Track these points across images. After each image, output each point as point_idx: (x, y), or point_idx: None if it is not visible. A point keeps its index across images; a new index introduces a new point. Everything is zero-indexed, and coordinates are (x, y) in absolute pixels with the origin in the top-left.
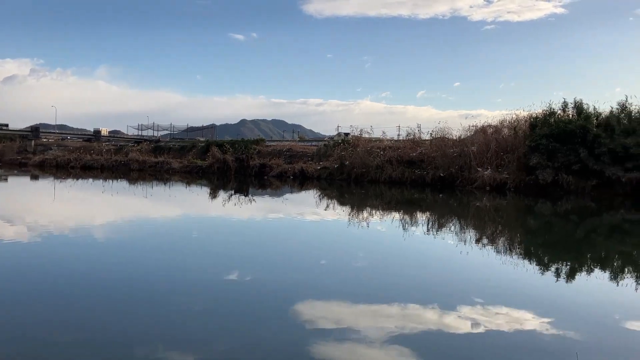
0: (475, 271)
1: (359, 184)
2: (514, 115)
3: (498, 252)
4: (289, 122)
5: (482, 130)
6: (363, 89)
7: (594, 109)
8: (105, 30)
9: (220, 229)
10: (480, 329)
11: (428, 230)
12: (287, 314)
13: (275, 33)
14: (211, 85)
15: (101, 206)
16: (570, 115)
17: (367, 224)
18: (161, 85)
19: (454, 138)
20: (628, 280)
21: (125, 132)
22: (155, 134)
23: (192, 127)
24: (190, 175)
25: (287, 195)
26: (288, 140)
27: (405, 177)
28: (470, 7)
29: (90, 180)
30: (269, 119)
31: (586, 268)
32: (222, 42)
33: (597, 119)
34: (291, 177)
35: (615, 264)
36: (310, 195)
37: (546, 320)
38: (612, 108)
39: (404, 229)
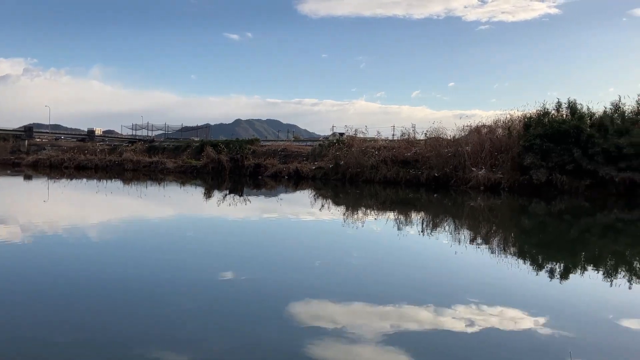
0: (469, 271)
1: (353, 184)
2: (508, 115)
3: (492, 251)
4: (284, 122)
5: (477, 130)
6: (358, 89)
7: (588, 109)
8: (99, 30)
9: (215, 229)
10: (475, 328)
11: (423, 230)
12: (282, 314)
13: (271, 33)
14: (206, 85)
15: (95, 206)
16: (564, 115)
17: (362, 223)
18: (156, 85)
19: (449, 138)
20: (621, 280)
21: (120, 132)
22: (150, 133)
23: (186, 127)
24: (185, 175)
25: (282, 195)
26: (283, 140)
27: (399, 177)
28: (465, 7)
29: (84, 180)
30: (264, 118)
31: (580, 267)
32: (217, 42)
33: (590, 119)
34: (286, 177)
35: (608, 263)
36: (305, 195)
37: (540, 319)
38: (605, 108)
39: (398, 229)
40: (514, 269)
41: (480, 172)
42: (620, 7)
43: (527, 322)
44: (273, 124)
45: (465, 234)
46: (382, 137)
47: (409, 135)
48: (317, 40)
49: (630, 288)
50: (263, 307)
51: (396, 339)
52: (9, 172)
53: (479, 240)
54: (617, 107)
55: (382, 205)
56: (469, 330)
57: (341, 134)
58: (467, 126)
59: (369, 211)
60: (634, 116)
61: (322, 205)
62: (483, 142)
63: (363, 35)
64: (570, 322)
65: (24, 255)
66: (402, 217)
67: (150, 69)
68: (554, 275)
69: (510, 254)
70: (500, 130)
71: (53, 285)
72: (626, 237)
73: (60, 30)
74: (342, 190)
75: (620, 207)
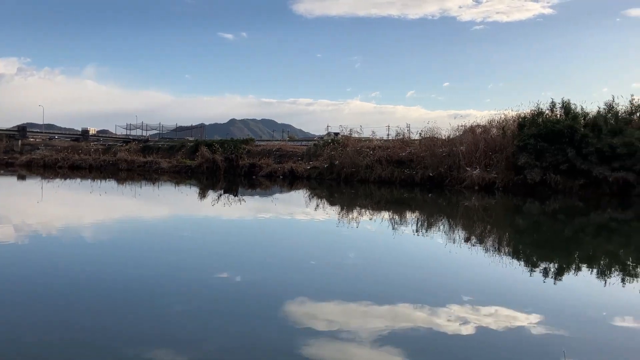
0: (464, 270)
1: (348, 184)
2: (502, 115)
3: (487, 251)
4: (279, 121)
5: (471, 130)
6: (353, 88)
7: (582, 109)
8: (93, 30)
9: (210, 229)
10: (470, 328)
11: (417, 229)
12: (277, 314)
13: (265, 33)
14: (200, 84)
15: (90, 206)
16: (558, 115)
17: (357, 223)
18: (150, 85)
19: (443, 138)
20: (615, 279)
21: (114, 132)
22: (144, 133)
23: (181, 126)
24: (179, 175)
25: (277, 195)
26: (278, 140)
27: (394, 176)
28: (460, 7)
29: (78, 180)
30: (259, 118)
31: (574, 267)
32: (211, 42)
33: (584, 119)
34: (281, 176)
35: (602, 262)
36: (300, 195)
37: (534, 318)
38: (599, 108)
39: (393, 229)
40: (508, 269)
41: (474, 172)
42: (614, 7)
43: (521, 321)
44: (268, 123)
45: (459, 233)
46: (377, 137)
47: (403, 135)
48: (312, 40)
49: (623, 287)
50: (258, 307)
51: (391, 339)
52: (2, 172)
53: (474, 240)
54: (610, 107)
55: (377, 205)
56: (464, 329)
57: (336, 134)
58: (461, 126)
59: (363, 211)
60: (627, 116)
61: (317, 205)
62: (477, 142)
63: (358, 35)
64: (564, 321)
65: (19, 256)
66: (396, 217)
67: (145, 68)
68: (548, 275)
69: (505, 253)
70: (494, 130)
71: (48, 286)
72: (619, 237)
73: (55, 29)
74: (337, 190)
75: (613, 206)
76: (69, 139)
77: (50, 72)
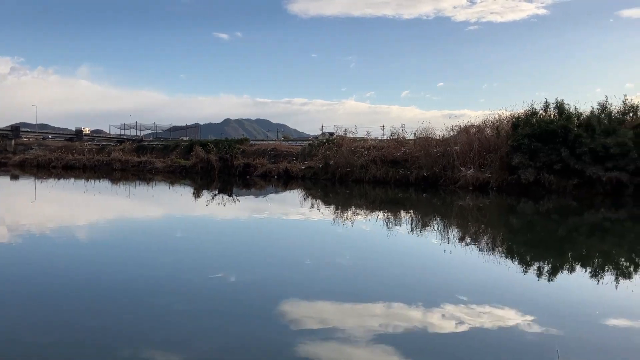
0: (458, 270)
1: (343, 184)
2: (496, 115)
3: (481, 250)
4: (274, 121)
5: (465, 130)
6: (347, 88)
7: (575, 109)
8: (88, 29)
9: (204, 228)
10: (464, 327)
11: (412, 229)
12: (272, 314)
13: (260, 32)
14: (195, 84)
15: (83, 206)
16: (552, 115)
17: (352, 223)
18: (144, 85)
19: (438, 138)
20: (608, 278)
21: (108, 132)
22: (138, 133)
23: (175, 126)
24: (174, 175)
25: (272, 195)
26: (272, 140)
27: (389, 176)
28: (454, 7)
29: (72, 180)
30: (253, 118)
31: (568, 266)
32: (206, 41)
33: (578, 119)
34: (275, 176)
35: (596, 262)
36: (294, 195)
37: (528, 317)
38: (592, 108)
39: (388, 228)
40: (502, 268)
41: (469, 172)
42: (607, 8)
43: (515, 320)
44: (262, 123)
45: (454, 233)
46: (372, 137)
47: (398, 135)
48: (307, 40)
49: (617, 287)
50: (253, 306)
51: (386, 338)
52: None
53: (468, 240)
54: (604, 107)
55: (372, 205)
56: (458, 329)
57: (331, 134)
58: (456, 126)
59: (358, 211)
60: (621, 116)
61: (312, 205)
62: (472, 142)
63: (353, 35)
64: (558, 320)
65: (13, 256)
66: (391, 217)
67: (139, 68)
68: (542, 274)
69: (499, 253)
70: (488, 130)
71: (42, 286)
72: (613, 237)
73: (49, 28)
74: (331, 190)
75: (607, 206)
76: (62, 139)
77: (44, 71)
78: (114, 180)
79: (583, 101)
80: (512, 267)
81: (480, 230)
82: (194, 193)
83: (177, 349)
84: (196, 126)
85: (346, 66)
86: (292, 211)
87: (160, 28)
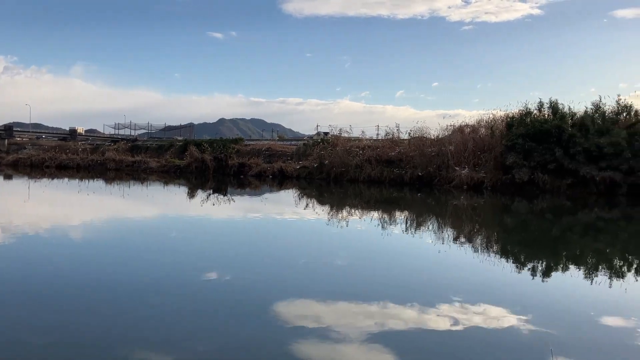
0: (453, 269)
1: (338, 183)
2: (491, 115)
3: (476, 250)
4: (268, 121)
5: (460, 130)
6: (342, 88)
7: (569, 109)
8: (81, 28)
9: (199, 228)
10: (459, 327)
11: (407, 229)
12: (267, 313)
13: (255, 32)
14: (189, 83)
15: (77, 206)
16: (546, 115)
17: (347, 223)
18: (139, 84)
19: (432, 138)
20: (602, 277)
21: (102, 131)
22: (133, 133)
23: (170, 126)
24: (168, 175)
25: (267, 195)
26: (267, 140)
27: (384, 176)
28: (449, 7)
29: (66, 179)
30: (248, 118)
31: (562, 266)
32: (200, 41)
33: (572, 119)
34: (270, 176)
35: (589, 261)
36: (289, 195)
37: (522, 317)
38: (586, 108)
39: (383, 228)
40: (496, 268)
41: (463, 172)
42: (601, 8)
43: (509, 320)
44: (257, 123)
45: (448, 232)
46: (367, 137)
47: (393, 135)
48: (302, 40)
49: (610, 286)
50: (248, 306)
51: (381, 338)
52: None
53: (463, 239)
54: (597, 107)
55: (367, 205)
56: (453, 328)
57: (325, 134)
58: (450, 126)
59: (353, 210)
60: (614, 116)
61: (307, 205)
62: (466, 141)
63: (347, 35)
64: (552, 319)
65: (6, 256)
66: (386, 216)
67: (134, 67)
68: (536, 274)
69: (493, 252)
70: (483, 130)
71: (41, 287)
72: (606, 236)
73: (42, 27)
74: (326, 190)
75: (600, 205)
76: (56, 139)
77: (37, 70)
78: (108, 180)
79: (577, 101)
80: (506, 267)
81: (475, 230)
82: (188, 193)
83: (172, 349)
84: (191, 126)
85: (341, 66)
86: (287, 211)
87: (155, 27)
